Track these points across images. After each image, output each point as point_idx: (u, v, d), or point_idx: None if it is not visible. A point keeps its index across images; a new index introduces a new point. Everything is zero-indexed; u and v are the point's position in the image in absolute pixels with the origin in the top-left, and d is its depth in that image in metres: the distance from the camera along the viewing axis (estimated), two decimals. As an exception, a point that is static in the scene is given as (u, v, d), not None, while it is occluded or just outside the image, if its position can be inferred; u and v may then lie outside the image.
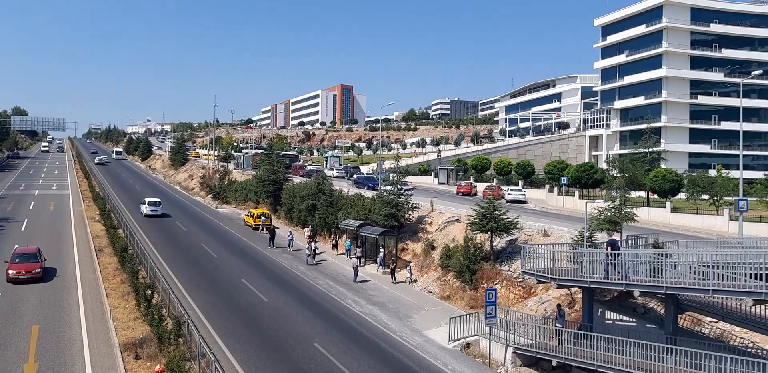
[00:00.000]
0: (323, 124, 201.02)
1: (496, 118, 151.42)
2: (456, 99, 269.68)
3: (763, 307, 18.73)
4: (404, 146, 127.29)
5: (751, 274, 17.02)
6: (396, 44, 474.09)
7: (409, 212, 40.75)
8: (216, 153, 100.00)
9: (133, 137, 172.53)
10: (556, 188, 55.95)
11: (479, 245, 32.39)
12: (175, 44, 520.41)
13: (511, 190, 56.63)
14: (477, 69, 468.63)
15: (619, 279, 19.69)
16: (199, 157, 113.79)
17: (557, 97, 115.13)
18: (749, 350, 19.68)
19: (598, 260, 20.74)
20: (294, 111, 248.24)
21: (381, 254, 37.93)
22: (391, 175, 48.23)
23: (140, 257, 33.45)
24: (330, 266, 38.80)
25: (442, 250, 34.61)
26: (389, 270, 35.78)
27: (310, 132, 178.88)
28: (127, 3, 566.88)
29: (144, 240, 42.67)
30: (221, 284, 32.39)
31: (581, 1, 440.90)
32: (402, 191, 40.72)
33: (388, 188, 41.91)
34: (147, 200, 56.73)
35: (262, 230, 48.81)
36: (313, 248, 39.84)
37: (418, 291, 33.13)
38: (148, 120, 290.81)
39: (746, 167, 68.72)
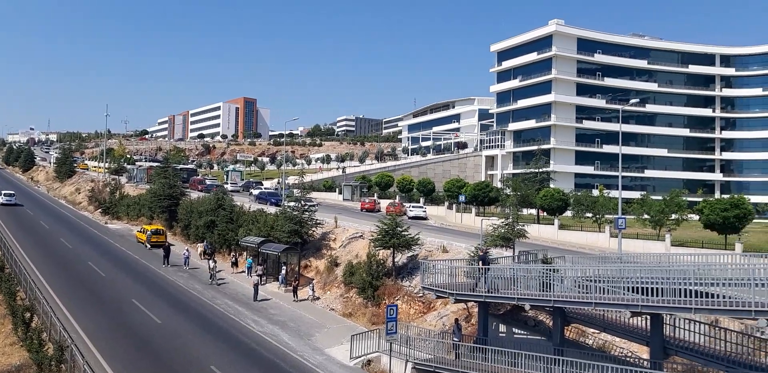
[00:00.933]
0: (224, 137, 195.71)
1: (399, 137, 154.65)
2: (361, 116, 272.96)
3: (640, 318, 20.35)
4: (309, 162, 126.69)
5: (629, 287, 18.51)
6: (302, 59, 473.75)
7: (313, 229, 40.55)
8: (107, 165, 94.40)
9: (14, 147, 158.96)
10: (455, 205, 57.88)
11: (382, 261, 32.80)
12: (63, 48, 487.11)
13: (413, 207, 57.93)
14: (382, 88, 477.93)
15: (512, 294, 20.69)
16: (87, 169, 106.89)
17: (456, 117, 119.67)
18: (628, 359, 21.27)
19: (494, 275, 21.71)
20: (193, 123, 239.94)
21: (283, 272, 37.37)
22: (294, 190, 47.82)
23: (18, 276, 30.81)
24: (229, 285, 37.67)
25: (346, 266, 34.69)
26: (291, 288, 35.31)
27: (211, 145, 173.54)
28: None
29: (23, 259, 39.32)
30: (110, 305, 30.49)
31: (480, 27, 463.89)
32: (306, 207, 40.48)
33: (292, 203, 41.52)
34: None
35: (156, 247, 46.52)
36: (212, 266, 38.55)
37: (321, 309, 32.93)
38: (31, 129, 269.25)
39: (625, 188, 74.51)
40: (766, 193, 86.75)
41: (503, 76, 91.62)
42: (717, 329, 19.26)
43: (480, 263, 21.43)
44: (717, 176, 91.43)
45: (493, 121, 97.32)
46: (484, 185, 57.74)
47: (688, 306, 16.22)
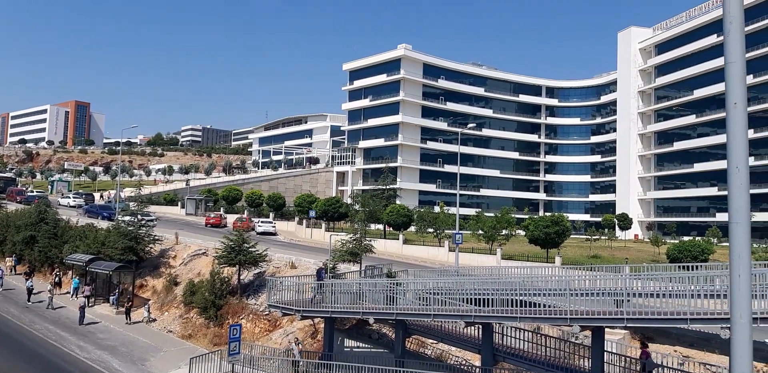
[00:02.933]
0: (51, 143, 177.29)
1: (249, 149, 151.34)
2: (209, 126, 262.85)
3: (473, 328, 21.75)
4: (149, 173, 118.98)
5: (465, 299, 19.74)
6: (146, 63, 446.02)
7: (151, 245, 38.04)
8: None
9: None
10: (305, 221, 57.75)
11: (226, 279, 31.64)
12: None
13: (262, 222, 56.79)
14: (232, 98, 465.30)
15: (357, 308, 21.06)
16: None
17: (309, 133, 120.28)
18: (462, 367, 22.59)
19: (341, 290, 21.97)
20: (14, 126, 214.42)
21: (116, 293, 34.49)
22: (131, 204, 44.60)
23: None
24: (51, 308, 33.89)
25: (186, 285, 32.91)
26: (124, 310, 32.69)
27: (34, 152, 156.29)
28: None
29: None
30: None
31: (335, 44, 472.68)
32: (143, 222, 37.91)
33: (127, 218, 38.66)
34: None
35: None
36: (29, 286, 34.47)
37: (157, 331, 30.84)
38: None
39: (463, 205, 79.91)
40: (581, 211, 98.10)
41: (355, 94, 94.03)
42: (539, 335, 21.19)
43: (316, 278, 21.65)
44: (541, 196, 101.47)
45: (344, 138, 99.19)
46: (334, 201, 58.41)
47: (514, 315, 17.67)
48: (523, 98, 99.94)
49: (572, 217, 79.08)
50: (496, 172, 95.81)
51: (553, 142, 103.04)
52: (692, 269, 18.52)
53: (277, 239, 51.39)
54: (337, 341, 24.28)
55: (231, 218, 60.02)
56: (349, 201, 69.43)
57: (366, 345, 24.68)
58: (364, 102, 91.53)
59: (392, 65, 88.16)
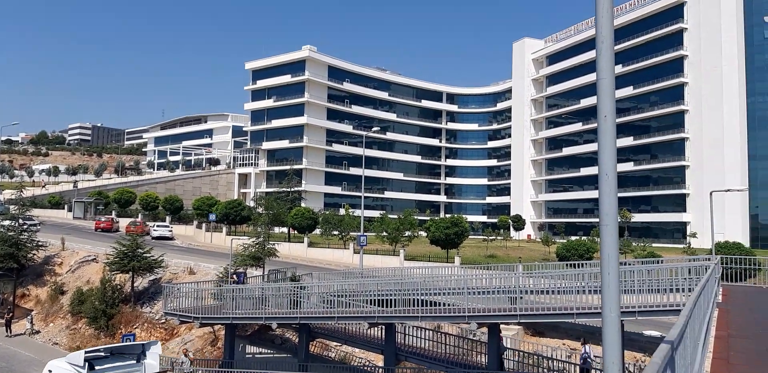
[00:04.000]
0: None
1: (144, 149, 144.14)
2: (99, 125, 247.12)
3: (377, 329, 22.06)
4: (32, 173, 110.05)
5: (369, 300, 19.98)
6: (27, 53, 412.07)
7: (34, 252, 35.30)
8: None
9: None
10: (204, 224, 55.93)
11: (119, 287, 30.04)
12: None
13: (158, 226, 54.41)
14: (125, 95, 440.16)
15: (259, 313, 20.73)
16: None
17: (209, 133, 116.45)
18: (365, 368, 22.85)
19: (242, 296, 21.52)
20: None
21: (-9, 303, 31.70)
22: (11, 207, 41.15)
23: None
24: None
25: (74, 294, 30.88)
26: (3, 322, 30.10)
27: None
28: None
29: None
30: None
31: (236, 42, 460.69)
32: (25, 227, 35.11)
33: (7, 222, 35.68)
34: None
35: None
36: None
37: (41, 344, 28.69)
38: None
39: (368, 207, 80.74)
40: (479, 213, 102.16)
41: (258, 94, 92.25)
42: (440, 334, 21.87)
43: (236, 282, 21.08)
44: (442, 198, 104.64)
45: (247, 139, 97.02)
46: (236, 204, 56.97)
47: (415, 315, 18.13)
48: (426, 104, 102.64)
49: (471, 218, 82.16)
50: (399, 175, 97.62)
51: (453, 146, 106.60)
52: (578, 267, 19.90)
53: (175, 244, 49.42)
54: (238, 348, 23.74)
55: (124, 222, 56.96)
56: (251, 204, 68.02)
57: (269, 351, 24.32)
58: (268, 102, 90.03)
59: (297, 66, 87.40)
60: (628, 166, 76.43)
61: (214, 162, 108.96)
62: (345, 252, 46.07)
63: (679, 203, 71.30)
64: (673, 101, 71.96)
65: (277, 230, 56.24)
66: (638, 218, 73.31)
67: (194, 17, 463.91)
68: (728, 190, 43.46)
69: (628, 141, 75.97)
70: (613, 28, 4.17)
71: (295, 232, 53.95)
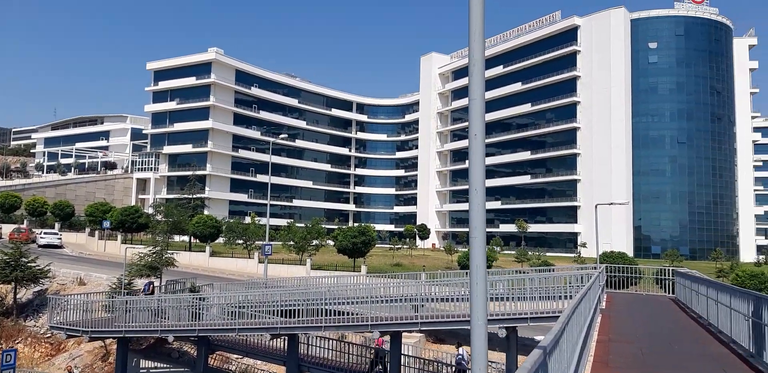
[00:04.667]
0: None
1: (32, 150, 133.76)
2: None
3: (279, 340, 21.76)
4: None
5: (273, 311, 19.69)
6: None
7: None
8: None
9: None
10: (97, 232, 52.82)
11: (0, 299, 27.66)
12: None
13: (45, 233, 50.82)
14: (11, 91, 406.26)
15: (155, 326, 19.86)
16: None
17: (105, 135, 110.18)
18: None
19: (137, 308, 20.52)
20: None
21: None
22: None
23: None
24: None
25: (-57, 308, 28.07)
26: None
27: None
28: None
29: None
30: None
31: (139, 41, 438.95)
32: None
33: None
34: None
35: None
36: None
37: None
38: None
39: (275, 216, 79.54)
40: (387, 222, 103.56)
41: (160, 96, 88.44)
42: (344, 343, 21.93)
43: (146, 293, 20.02)
44: (351, 207, 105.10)
45: (147, 142, 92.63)
46: (133, 210, 54.17)
47: (318, 325, 18.10)
48: (336, 112, 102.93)
49: (378, 227, 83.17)
50: (309, 183, 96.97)
51: (362, 155, 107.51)
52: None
53: (64, 253, 46.30)
54: (132, 363, 22.56)
55: (7, 229, 52.78)
56: (150, 211, 64.97)
57: (165, 365, 23.30)
58: (171, 105, 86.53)
59: (202, 69, 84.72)
60: (525, 179, 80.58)
61: (111, 166, 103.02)
62: (249, 262, 45.09)
63: (571, 215, 75.93)
64: (567, 119, 76.84)
65: (177, 238, 54.06)
66: (534, 228, 77.33)
67: (92, 12, 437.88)
68: (612, 203, 46.86)
69: (525, 155, 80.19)
70: (485, 52, 4.46)
71: (197, 241, 52.11)
